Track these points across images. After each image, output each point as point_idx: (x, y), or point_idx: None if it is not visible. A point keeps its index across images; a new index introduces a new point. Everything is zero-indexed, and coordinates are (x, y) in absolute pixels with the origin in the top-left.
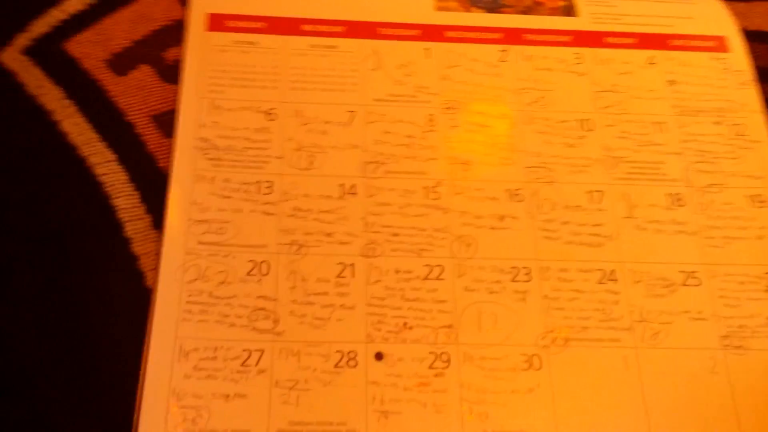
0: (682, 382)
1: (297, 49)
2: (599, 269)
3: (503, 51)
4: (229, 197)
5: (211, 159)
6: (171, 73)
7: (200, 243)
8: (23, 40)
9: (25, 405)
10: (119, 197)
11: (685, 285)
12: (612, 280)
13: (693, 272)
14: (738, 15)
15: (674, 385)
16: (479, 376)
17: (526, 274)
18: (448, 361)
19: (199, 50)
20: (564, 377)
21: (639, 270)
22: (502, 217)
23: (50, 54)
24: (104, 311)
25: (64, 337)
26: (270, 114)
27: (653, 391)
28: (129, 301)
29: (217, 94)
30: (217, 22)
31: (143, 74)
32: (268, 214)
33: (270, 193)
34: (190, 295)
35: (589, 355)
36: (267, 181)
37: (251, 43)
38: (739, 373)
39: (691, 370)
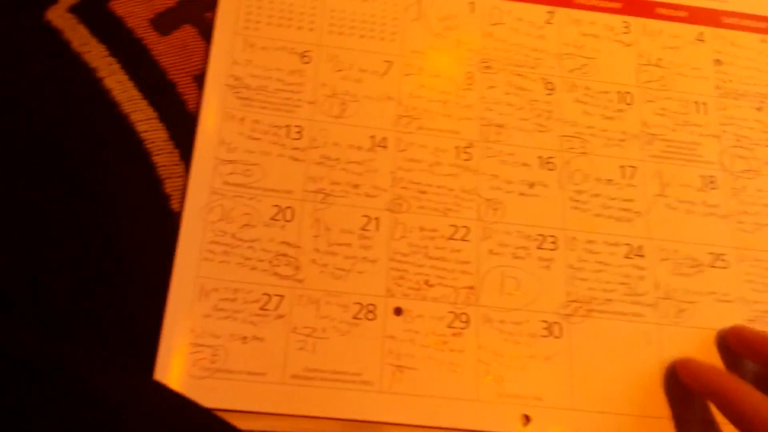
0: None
1: None
2: (627, 244)
3: (550, 12)
4: (258, 139)
5: (241, 98)
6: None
7: (226, 183)
8: None
9: (59, 338)
10: (159, 155)
11: (712, 266)
12: (639, 255)
13: (721, 254)
14: None
15: None
16: (498, 339)
17: (553, 242)
18: (468, 321)
19: None
20: (583, 347)
21: (667, 248)
22: (532, 184)
23: (95, 12)
24: (141, 260)
25: (100, 286)
26: (305, 56)
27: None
28: (165, 251)
29: (251, 32)
30: None
31: (186, 34)
32: (296, 159)
33: (299, 139)
34: (213, 236)
35: (610, 327)
36: (297, 126)
37: None
38: None
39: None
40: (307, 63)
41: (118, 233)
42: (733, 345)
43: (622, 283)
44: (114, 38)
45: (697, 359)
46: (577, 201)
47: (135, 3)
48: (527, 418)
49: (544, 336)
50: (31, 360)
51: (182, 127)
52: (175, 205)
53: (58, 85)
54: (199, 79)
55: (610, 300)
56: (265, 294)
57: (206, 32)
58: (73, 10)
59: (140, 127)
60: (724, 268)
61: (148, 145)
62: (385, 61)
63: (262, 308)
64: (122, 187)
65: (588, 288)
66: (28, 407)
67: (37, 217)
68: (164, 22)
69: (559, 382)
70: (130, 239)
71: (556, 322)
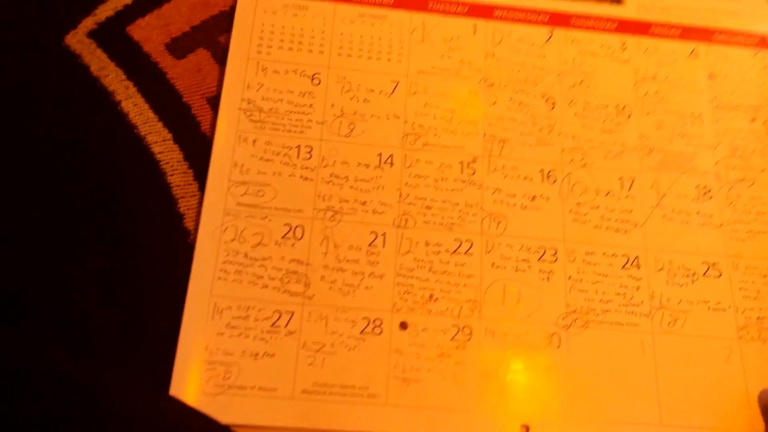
0: (696, 370)
1: (346, 17)
2: (624, 255)
3: (549, 32)
4: (269, 160)
5: (254, 121)
6: (226, 57)
7: (239, 204)
8: (89, 23)
9: (77, 354)
10: (174, 175)
11: (705, 275)
12: (635, 266)
13: (715, 263)
14: None
15: (688, 372)
16: (499, 350)
17: (553, 254)
18: (471, 334)
19: (249, 11)
20: (581, 357)
21: (663, 258)
22: (533, 197)
23: (113, 37)
24: (156, 279)
25: (119, 299)
26: (315, 78)
27: (667, 376)
28: (180, 270)
29: (264, 56)
30: None
31: (200, 58)
32: (307, 179)
33: (309, 158)
34: (227, 255)
35: (607, 337)
36: (307, 146)
37: (301, 7)
38: (754, 363)
39: (706, 359)
40: (317, 85)
41: (134, 252)
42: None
43: (619, 294)
44: (131, 62)
45: None
46: (577, 213)
47: (152, 28)
48: (527, 429)
49: (544, 347)
50: (52, 375)
51: (196, 148)
52: (188, 224)
53: (77, 108)
54: (213, 101)
55: (607, 311)
56: (276, 311)
57: (220, 56)
58: (92, 35)
59: (156, 149)
60: (718, 276)
61: (164, 166)
62: (392, 81)
63: (273, 325)
64: (138, 206)
65: (586, 299)
66: (50, 421)
67: (55, 235)
68: (179, 47)
69: (558, 392)
70: (146, 258)
71: (555, 333)
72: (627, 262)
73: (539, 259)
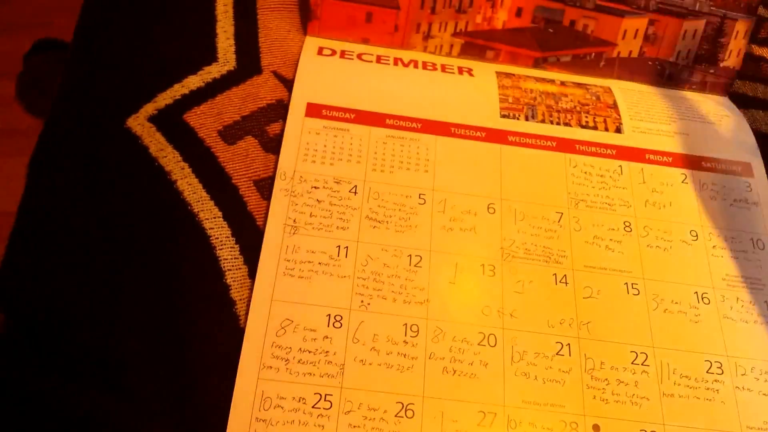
0: None
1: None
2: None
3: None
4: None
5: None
6: (272, 145)
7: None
8: (149, 109)
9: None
10: (222, 249)
11: None
12: None
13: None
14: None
15: None
16: None
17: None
18: None
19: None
20: None
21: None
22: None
23: (171, 122)
24: (202, 350)
25: (168, 370)
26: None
27: None
28: (224, 341)
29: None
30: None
31: (249, 144)
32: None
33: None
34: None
35: None
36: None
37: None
38: None
39: None
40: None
41: (185, 321)
42: None
43: None
44: (187, 146)
45: None
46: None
47: (206, 116)
48: None
49: None
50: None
51: (243, 225)
52: (234, 294)
53: (136, 186)
54: (258, 184)
55: None
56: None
57: (266, 143)
58: (152, 119)
59: (207, 224)
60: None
61: (213, 241)
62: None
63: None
64: (190, 277)
65: None
66: None
67: (112, 302)
68: (230, 134)
69: None
70: (195, 326)
71: None
72: None
73: None
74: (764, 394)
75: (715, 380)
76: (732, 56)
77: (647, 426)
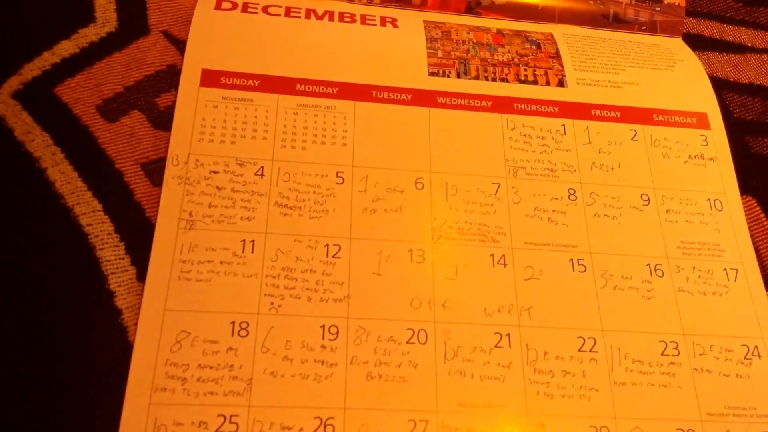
0: None
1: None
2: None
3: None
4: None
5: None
6: (163, 120)
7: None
8: (13, 83)
9: None
10: (104, 249)
11: None
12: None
13: None
14: (731, 67)
15: None
16: None
17: None
18: None
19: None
20: None
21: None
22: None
23: (40, 98)
24: (85, 367)
25: (41, 392)
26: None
27: None
28: (110, 357)
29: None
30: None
31: (134, 121)
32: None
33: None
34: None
35: None
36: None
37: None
38: None
39: None
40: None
41: (61, 337)
42: None
43: None
44: (59, 126)
45: None
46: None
47: (82, 89)
48: None
49: None
50: None
51: (128, 218)
52: (120, 302)
53: None
54: (147, 167)
55: None
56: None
57: (155, 118)
58: (16, 96)
59: (83, 220)
60: None
61: (92, 240)
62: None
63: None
64: (65, 284)
65: None
66: None
67: None
68: (112, 109)
69: None
70: (73, 343)
71: None
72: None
73: None
74: (725, 375)
75: (671, 363)
76: None
77: (597, 421)
